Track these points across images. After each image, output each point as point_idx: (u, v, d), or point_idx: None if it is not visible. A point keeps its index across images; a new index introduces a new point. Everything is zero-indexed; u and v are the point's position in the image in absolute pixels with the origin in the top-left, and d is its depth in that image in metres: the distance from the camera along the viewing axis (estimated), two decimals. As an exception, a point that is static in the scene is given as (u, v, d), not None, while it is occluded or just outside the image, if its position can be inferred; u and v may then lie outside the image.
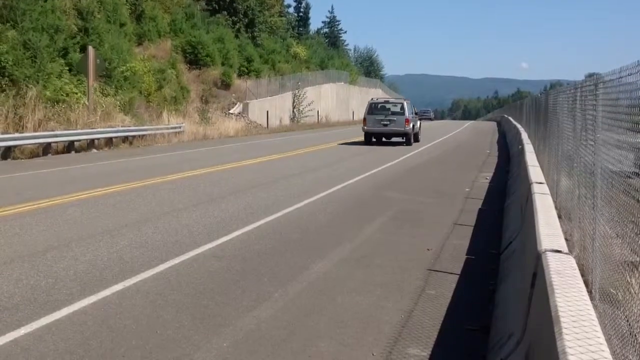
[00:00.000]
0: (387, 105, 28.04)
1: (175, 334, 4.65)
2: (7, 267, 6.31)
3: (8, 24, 24.64)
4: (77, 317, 4.92)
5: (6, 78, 22.77)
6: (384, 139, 27.24)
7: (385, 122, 26.44)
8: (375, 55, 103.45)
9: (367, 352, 4.44)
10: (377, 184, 13.70)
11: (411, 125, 26.23)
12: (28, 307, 5.10)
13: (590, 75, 7.36)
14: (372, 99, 30.84)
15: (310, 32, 78.11)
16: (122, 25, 34.82)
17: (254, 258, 6.99)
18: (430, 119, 68.96)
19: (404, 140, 26.38)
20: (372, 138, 27.08)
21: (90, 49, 25.89)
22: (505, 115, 48.52)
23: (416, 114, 29.68)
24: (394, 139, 27.04)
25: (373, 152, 23.20)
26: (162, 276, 6.15)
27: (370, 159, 19.72)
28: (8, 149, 19.33)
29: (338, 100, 61.19)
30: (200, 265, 6.60)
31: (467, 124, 57.42)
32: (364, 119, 27.13)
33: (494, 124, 52.36)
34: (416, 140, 27.65)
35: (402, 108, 26.88)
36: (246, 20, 52.11)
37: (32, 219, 8.88)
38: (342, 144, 27.30)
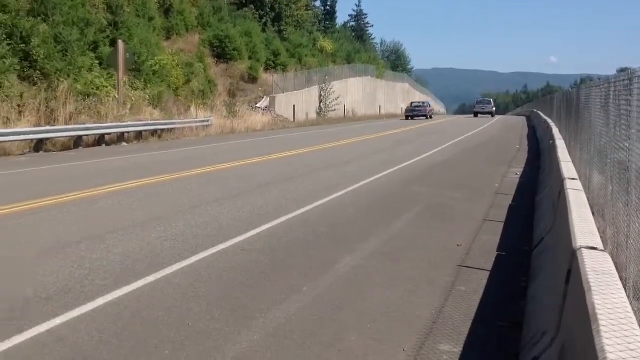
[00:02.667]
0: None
1: (207, 326, 4.68)
2: (42, 257, 6.42)
3: (39, 18, 25.00)
4: (110, 308, 4.99)
5: (38, 72, 23.12)
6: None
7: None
8: (402, 49, 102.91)
9: (397, 348, 4.43)
10: (405, 178, 13.64)
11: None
12: (63, 298, 5.18)
13: (622, 70, 7.24)
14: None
15: (337, 25, 77.88)
16: (150, 19, 35.13)
17: (282, 251, 7.02)
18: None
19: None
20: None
21: (120, 43, 26.16)
22: (535, 110, 47.93)
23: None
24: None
25: (400, 146, 23.10)
26: (193, 269, 6.20)
27: (397, 154, 19.64)
28: (40, 142, 19.65)
29: (365, 94, 60.99)
30: (230, 259, 6.64)
31: (496, 118, 56.77)
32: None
33: (523, 119, 51.76)
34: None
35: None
36: (273, 14, 52.16)
37: (65, 211, 9.01)
38: (369, 138, 27.24)
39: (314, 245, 7.38)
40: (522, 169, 15.86)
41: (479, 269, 6.52)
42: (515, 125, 42.33)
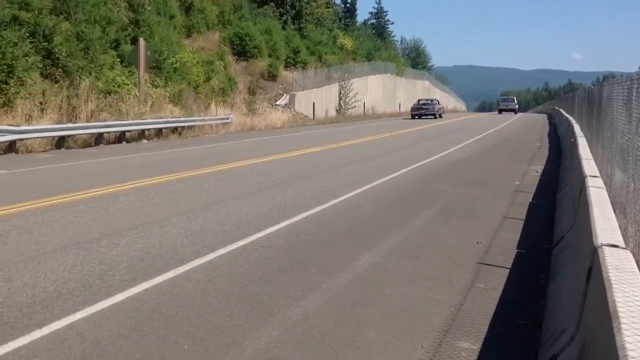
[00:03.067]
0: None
1: (226, 322, 4.71)
2: (63, 253, 6.48)
3: (62, 16, 25.26)
4: (130, 303, 5.03)
5: (60, 69, 23.35)
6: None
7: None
8: (423, 46, 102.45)
9: (416, 344, 4.42)
10: (424, 175, 13.59)
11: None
12: (83, 293, 5.23)
13: (646, 66, 7.13)
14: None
15: (357, 23, 77.72)
16: (171, 17, 35.34)
17: (301, 248, 7.03)
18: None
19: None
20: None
21: (141, 41, 26.34)
22: (557, 108, 47.48)
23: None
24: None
25: (420, 144, 23.01)
26: (212, 265, 6.23)
27: (417, 151, 19.57)
28: (62, 139, 19.86)
29: (384, 92, 60.83)
30: (249, 255, 6.66)
31: (517, 115, 56.41)
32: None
33: (544, 116, 51.29)
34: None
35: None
36: (293, 11, 52.20)
37: (85, 207, 9.10)
38: (388, 135, 27.17)
39: (332, 242, 7.38)
40: (542, 167, 15.73)
41: (498, 266, 6.48)
42: (536, 122, 41.97)
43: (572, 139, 15.25)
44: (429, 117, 47.00)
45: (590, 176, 7.42)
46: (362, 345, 4.37)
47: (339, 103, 47.48)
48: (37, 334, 4.33)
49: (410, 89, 72.13)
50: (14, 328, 4.43)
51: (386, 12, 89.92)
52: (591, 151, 11.42)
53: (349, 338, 4.49)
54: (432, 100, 52.29)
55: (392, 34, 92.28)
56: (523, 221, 8.89)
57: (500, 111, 63.28)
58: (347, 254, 6.78)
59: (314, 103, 41.38)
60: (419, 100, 52.54)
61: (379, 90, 59.37)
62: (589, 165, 8.81)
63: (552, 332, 4.41)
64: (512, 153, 19.88)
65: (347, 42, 61.10)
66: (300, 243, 7.28)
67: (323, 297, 5.38)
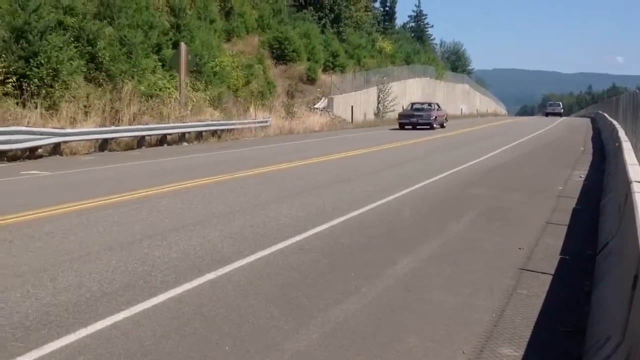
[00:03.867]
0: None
1: (266, 324, 4.73)
2: (107, 254, 6.61)
3: (105, 21, 25.76)
4: (172, 304, 5.10)
5: (103, 73, 23.82)
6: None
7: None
8: (462, 49, 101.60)
9: (457, 350, 4.38)
10: (463, 180, 13.46)
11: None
12: (127, 293, 5.33)
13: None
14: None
15: (396, 26, 77.50)
16: (211, 21, 35.76)
17: (340, 252, 7.03)
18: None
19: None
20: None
21: (183, 45, 26.69)
22: (600, 112, 46.57)
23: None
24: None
25: (460, 148, 22.81)
26: (252, 267, 6.27)
27: (456, 155, 19.41)
28: (105, 141, 20.24)
29: (423, 95, 60.41)
30: (288, 258, 6.69)
31: (560, 119, 55.52)
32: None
33: (587, 120, 50.34)
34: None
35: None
36: (332, 15, 52.32)
37: (128, 209, 9.26)
38: (427, 139, 27.00)
39: (371, 246, 7.36)
40: (586, 172, 15.44)
41: (541, 272, 6.38)
42: (579, 126, 41.22)
43: (617, 144, 14.94)
44: (423, 127, 34.70)
45: (636, 181, 7.25)
46: (403, 350, 4.35)
47: (378, 106, 47.35)
48: (82, 333, 4.42)
49: (450, 93, 71.53)
50: (60, 326, 4.53)
51: (425, 15, 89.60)
52: (636, 156, 11.17)
53: (389, 343, 4.47)
54: (429, 105, 39.32)
55: (432, 37, 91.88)
56: (566, 227, 8.74)
57: (547, 114, 70.08)
58: (386, 258, 6.76)
59: (352, 106, 41.34)
60: (411, 104, 40.34)
61: (418, 94, 59.00)
62: (634, 170, 8.61)
63: (596, 340, 4.32)
64: (554, 158, 19.55)
65: (386, 45, 60.98)
66: (339, 246, 7.28)
67: (362, 301, 5.38)
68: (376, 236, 7.89)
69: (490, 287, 5.85)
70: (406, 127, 35.02)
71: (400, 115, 37.11)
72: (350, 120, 40.39)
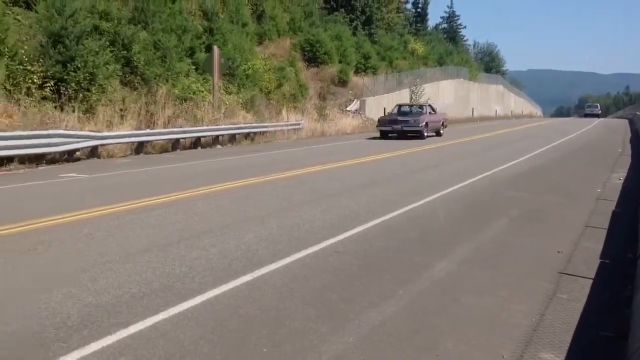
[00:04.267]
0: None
1: (302, 326, 4.74)
2: (145, 255, 6.69)
3: (140, 26, 26.12)
4: (210, 305, 5.14)
5: (138, 77, 24.15)
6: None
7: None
8: (496, 50, 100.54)
9: (496, 354, 4.34)
10: (498, 182, 13.31)
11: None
12: (165, 294, 5.38)
13: None
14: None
15: (429, 27, 77.01)
16: (244, 25, 35.98)
17: (374, 255, 7.01)
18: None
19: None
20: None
21: (216, 49, 26.92)
22: (638, 113, 45.67)
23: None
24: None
25: (495, 150, 22.58)
26: (287, 269, 6.29)
27: (491, 157, 19.22)
28: (141, 144, 20.51)
29: (457, 97, 60.00)
30: (323, 260, 6.69)
31: (598, 121, 54.61)
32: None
33: (625, 122, 49.42)
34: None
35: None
36: (363, 17, 52.22)
37: (164, 211, 9.37)
38: (461, 141, 26.79)
39: (405, 249, 7.32)
40: (625, 174, 15.15)
41: (581, 276, 6.28)
42: (616, 128, 40.49)
43: (657, 145, 14.63)
44: (412, 134, 27.64)
45: (679, 184, 7.10)
46: (441, 354, 4.32)
47: (410, 108, 47.13)
48: (123, 333, 4.48)
49: (484, 94, 70.88)
50: (101, 327, 4.60)
51: (458, 16, 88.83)
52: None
53: (426, 346, 4.45)
54: (420, 107, 30.98)
55: (465, 38, 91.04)
56: (606, 230, 8.58)
57: (585, 115, 74.61)
58: (421, 261, 6.72)
59: (384, 108, 41.21)
60: (398, 107, 31.18)
61: (451, 95, 58.59)
62: (676, 172, 8.42)
63: (639, 346, 4.23)
64: (592, 160, 19.24)
65: (418, 46, 60.64)
66: (373, 249, 7.26)
67: (398, 304, 5.35)
68: (410, 239, 7.85)
69: (528, 291, 5.78)
70: (390, 135, 27.92)
71: (381, 121, 29.15)
72: (383, 123, 40.24)
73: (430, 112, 29.67)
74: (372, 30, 52.75)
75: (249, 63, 31.57)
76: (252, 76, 31.37)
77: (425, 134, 27.89)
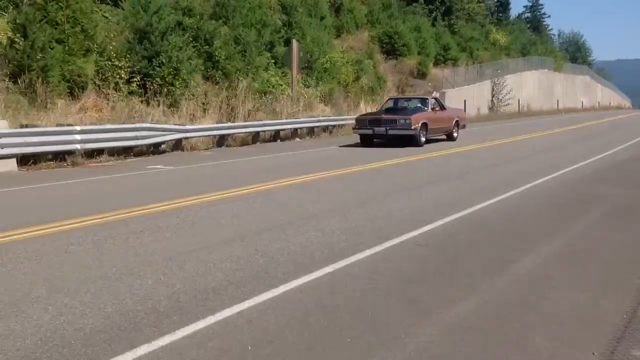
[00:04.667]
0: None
1: (385, 318, 4.73)
2: (229, 245, 6.85)
3: (220, 21, 26.68)
4: (293, 295, 5.21)
5: (219, 72, 24.70)
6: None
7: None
8: (582, 39, 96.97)
9: (586, 351, 4.20)
10: (587, 175, 12.86)
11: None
12: (250, 283, 5.49)
13: None
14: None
15: (511, 17, 75.07)
16: (322, 18, 36.17)
17: (458, 248, 6.91)
18: None
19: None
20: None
21: (295, 42, 27.17)
22: None
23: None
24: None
25: (585, 142, 21.84)
26: (369, 261, 6.29)
27: (581, 150, 18.61)
28: (222, 137, 20.99)
29: (541, 88, 58.27)
30: (405, 253, 6.65)
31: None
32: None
33: None
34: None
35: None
36: (443, 8, 51.53)
37: (246, 202, 9.56)
38: (547, 134, 26.02)
39: (490, 242, 7.18)
40: None
41: (677, 274, 5.98)
42: None
43: None
44: (402, 139, 20.45)
45: None
46: (528, 349, 4.22)
47: (492, 100, 46.12)
48: (210, 320, 4.60)
49: (569, 85, 68.54)
50: (190, 313, 4.74)
51: (542, 5, 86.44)
52: None
53: (513, 341, 4.35)
54: (421, 102, 23.16)
55: (549, 28, 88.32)
56: None
57: None
58: (506, 255, 6.57)
59: (465, 100, 40.52)
60: (394, 100, 24.55)
61: (535, 87, 56.95)
62: None
63: None
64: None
65: (500, 37, 59.30)
66: (456, 242, 7.16)
67: (483, 297, 5.26)
68: (495, 233, 7.69)
69: (620, 287, 5.55)
70: (370, 141, 21.08)
71: (359, 121, 21.68)
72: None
73: (434, 109, 22.14)
74: (452, 21, 51.99)
75: (327, 56, 31.72)
76: (330, 69, 31.51)
77: (422, 139, 20.22)
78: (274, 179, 12.05)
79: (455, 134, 23.19)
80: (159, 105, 20.52)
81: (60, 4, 19.13)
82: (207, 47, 24.63)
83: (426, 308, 4.96)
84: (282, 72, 27.92)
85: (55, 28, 18.94)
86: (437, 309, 4.95)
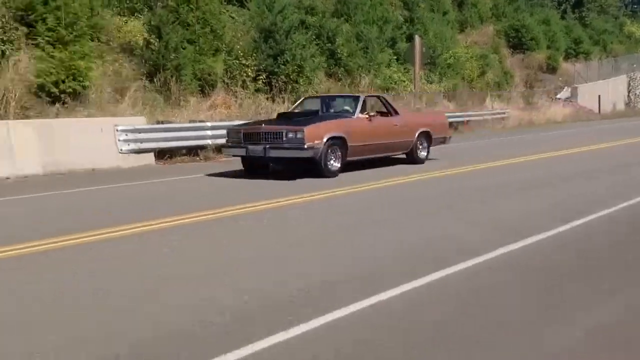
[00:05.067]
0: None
1: (519, 319, 4.37)
2: (338, 238, 6.71)
3: (342, 18, 26.74)
4: (425, 290, 4.95)
5: (342, 68, 24.74)
6: None
7: None
8: None
9: None
10: None
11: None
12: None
13: None
14: None
15: (648, 8, 70.14)
16: (444, 13, 35.42)
17: (604, 249, 6.35)
18: None
19: None
20: None
21: (417, 38, 26.73)
22: None
23: None
24: None
25: None
26: (505, 262, 5.91)
27: None
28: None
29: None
30: (546, 256, 6.21)
31: None
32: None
33: None
34: None
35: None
36: (573, 0, 48.94)
37: (369, 195, 9.41)
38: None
39: (631, 246, 6.52)
40: None
41: None
42: None
43: None
44: (291, 161, 12.07)
45: None
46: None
47: (628, 96, 43.28)
48: (338, 314, 4.40)
49: None
50: (319, 306, 4.58)
51: (684, -7, 79.77)
52: None
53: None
54: (347, 104, 13.91)
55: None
56: None
57: None
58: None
59: (599, 96, 38.25)
60: (305, 103, 14.75)
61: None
62: None
63: None
64: None
65: (636, 29, 55.55)
66: (596, 244, 6.61)
67: (628, 302, 4.75)
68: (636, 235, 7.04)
69: None
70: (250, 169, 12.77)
71: (231, 134, 12.86)
72: (598, 111, 37.41)
73: (370, 115, 13.14)
74: (583, 13, 49.36)
75: (450, 51, 31.01)
76: (454, 65, 30.78)
77: (334, 165, 11.89)
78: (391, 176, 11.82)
79: (422, 153, 14.26)
80: (284, 102, 20.81)
81: (191, 5, 19.85)
82: (330, 44, 24.75)
83: (574, 306, 4.54)
84: (404, 69, 27.58)
85: (187, 29, 19.67)
86: (578, 312, 4.52)
